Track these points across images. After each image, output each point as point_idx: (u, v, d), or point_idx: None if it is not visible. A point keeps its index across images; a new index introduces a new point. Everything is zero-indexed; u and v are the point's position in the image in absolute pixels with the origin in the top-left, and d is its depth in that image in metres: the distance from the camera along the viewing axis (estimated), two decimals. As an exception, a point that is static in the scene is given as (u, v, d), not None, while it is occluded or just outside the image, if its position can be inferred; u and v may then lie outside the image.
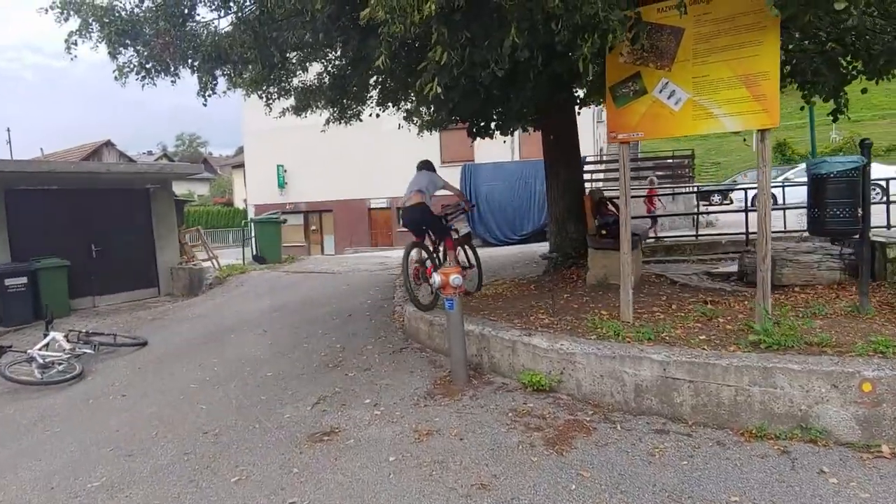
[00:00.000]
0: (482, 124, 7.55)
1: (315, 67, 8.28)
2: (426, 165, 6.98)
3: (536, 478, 3.14)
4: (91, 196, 10.28)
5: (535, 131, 8.09)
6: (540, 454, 3.39)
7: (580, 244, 7.19)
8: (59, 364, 6.04)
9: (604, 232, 6.28)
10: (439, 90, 3.93)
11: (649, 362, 3.76)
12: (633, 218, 7.66)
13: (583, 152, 9.27)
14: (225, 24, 6.40)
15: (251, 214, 24.17)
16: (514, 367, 4.58)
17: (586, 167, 13.61)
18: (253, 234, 15.04)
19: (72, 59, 5.77)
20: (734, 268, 7.21)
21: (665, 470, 3.10)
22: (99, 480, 3.61)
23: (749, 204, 16.62)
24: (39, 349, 6.15)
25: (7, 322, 8.74)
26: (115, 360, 6.58)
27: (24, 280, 8.90)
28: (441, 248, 6.71)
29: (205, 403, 4.82)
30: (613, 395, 3.94)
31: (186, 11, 5.85)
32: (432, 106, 7.27)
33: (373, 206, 24.74)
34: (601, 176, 16.46)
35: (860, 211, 4.13)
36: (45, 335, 6.52)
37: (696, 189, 15.06)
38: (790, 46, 5.23)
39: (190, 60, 6.12)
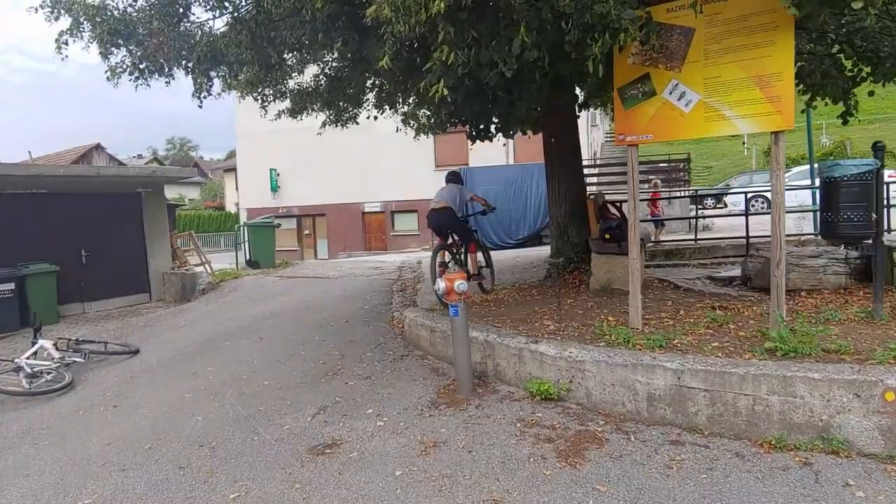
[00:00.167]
0: (482, 127, 7.44)
1: (311, 69, 8.16)
2: (455, 178, 7.25)
3: (551, 493, 3.01)
4: (81, 200, 10.06)
5: (534, 134, 7.98)
6: (553, 467, 3.27)
7: (582, 248, 7.10)
8: (48, 373, 5.85)
9: (607, 236, 6.18)
10: (446, 92, 3.81)
11: (663, 370, 3.65)
12: (635, 222, 7.61)
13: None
14: (220, 24, 6.28)
15: (243, 218, 23.95)
16: (520, 375, 4.45)
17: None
18: (246, 239, 14.83)
19: (62, 59, 5.60)
20: (736, 272, 7.13)
21: (685, 483, 2.99)
22: (90, 498, 3.44)
23: (746, 207, 16.73)
24: (27, 358, 5.96)
25: (-7, 329, 8.51)
26: (106, 368, 6.39)
27: (11, 286, 8.66)
28: (463, 250, 7.07)
29: (200, 414, 4.66)
30: (625, 404, 3.82)
31: (181, 11, 5.72)
32: (433, 108, 7.15)
33: (367, 209, 24.59)
34: (594, 180, 16.41)
35: (874, 215, 4.05)
36: (33, 343, 6.31)
37: (695, 193, 15.03)
38: (798, 48, 5.16)
39: (184, 61, 5.99)
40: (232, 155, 39.44)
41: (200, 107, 6.32)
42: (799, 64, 5.43)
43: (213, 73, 6.27)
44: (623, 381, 3.81)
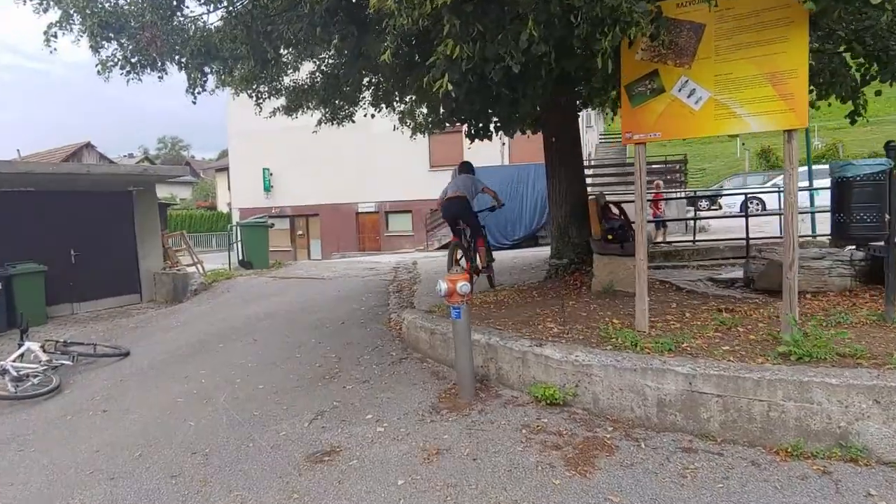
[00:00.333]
0: (481, 126, 7.33)
1: (307, 66, 8.02)
2: (467, 168, 7.33)
3: (562, 503, 2.89)
4: (70, 199, 9.85)
5: (534, 133, 7.87)
6: (562, 476, 3.14)
7: (582, 249, 6.99)
8: (35, 376, 5.66)
9: (610, 237, 6.08)
10: (450, 87, 3.68)
11: (673, 375, 3.54)
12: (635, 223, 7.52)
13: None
14: (215, 18, 6.12)
15: (236, 218, 23.73)
16: (523, 379, 4.33)
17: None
18: (239, 239, 14.63)
19: (51, 52, 5.43)
20: (738, 274, 7.05)
21: (700, 493, 2.87)
22: (78, 508, 3.29)
23: (740, 209, 16.71)
24: (13, 360, 5.77)
25: (-21, 331, 8.29)
26: (95, 371, 6.21)
27: (-3, 286, 8.45)
28: (472, 244, 7.19)
29: (193, 419, 4.50)
30: (634, 409, 3.71)
31: (175, 4, 5.55)
32: (433, 105, 7.03)
33: (361, 210, 24.44)
34: (589, 181, 16.32)
35: (888, 216, 3.96)
36: (20, 345, 6.13)
37: (693, 193, 14.98)
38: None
39: (178, 56, 5.83)
40: (224, 155, 39.10)
41: (194, 102, 6.18)
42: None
43: (207, 69, 6.11)
44: (632, 385, 3.70)
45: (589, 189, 15.07)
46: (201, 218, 39.84)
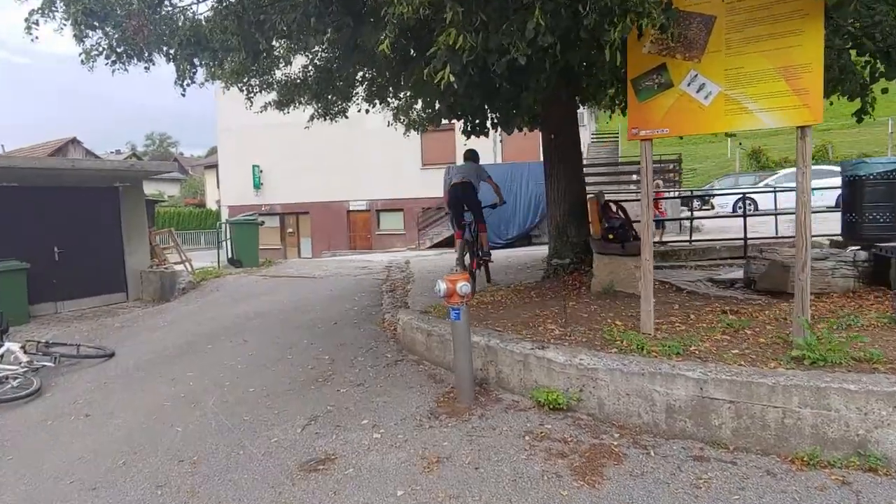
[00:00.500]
0: (477, 122, 7.17)
1: (300, 60, 7.82)
2: (473, 156, 7.40)
3: (571, 516, 2.75)
4: (55, 194, 9.56)
5: (531, 130, 7.74)
6: (569, 486, 3.00)
7: (581, 249, 6.87)
8: (14, 379, 5.44)
9: (611, 236, 5.95)
10: (452, 78, 3.52)
11: (684, 380, 3.40)
12: (635, 222, 7.40)
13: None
14: (204, 8, 5.90)
15: (225, 216, 23.41)
16: (525, 382, 4.18)
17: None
18: (228, 237, 14.36)
19: (32, 40, 5.19)
20: (737, 274, 6.96)
21: (716, 506, 2.74)
22: (56, 521, 3.10)
23: (733, 209, 16.72)
24: (-8, 362, 5.55)
25: (-43, 331, 8.01)
26: (78, 373, 5.98)
27: (-23, 284, 8.18)
28: (474, 232, 7.30)
29: (180, 424, 4.31)
30: (641, 415, 3.57)
31: (163, -9, 5.34)
32: (429, 100, 6.85)
33: (352, 207, 24.21)
34: (583, 180, 16.24)
35: (902, 216, 3.86)
36: (0, 346, 5.90)
37: (690, 193, 14.94)
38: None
39: (166, 47, 5.61)
40: (213, 151, 38.63)
41: (183, 95, 5.95)
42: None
43: (196, 60, 5.89)
44: (639, 390, 3.56)
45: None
46: (190, 215, 39.39)
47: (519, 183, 16.09)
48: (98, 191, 10.25)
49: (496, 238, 16.16)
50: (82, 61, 5.25)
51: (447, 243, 18.91)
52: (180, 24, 5.50)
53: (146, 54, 5.50)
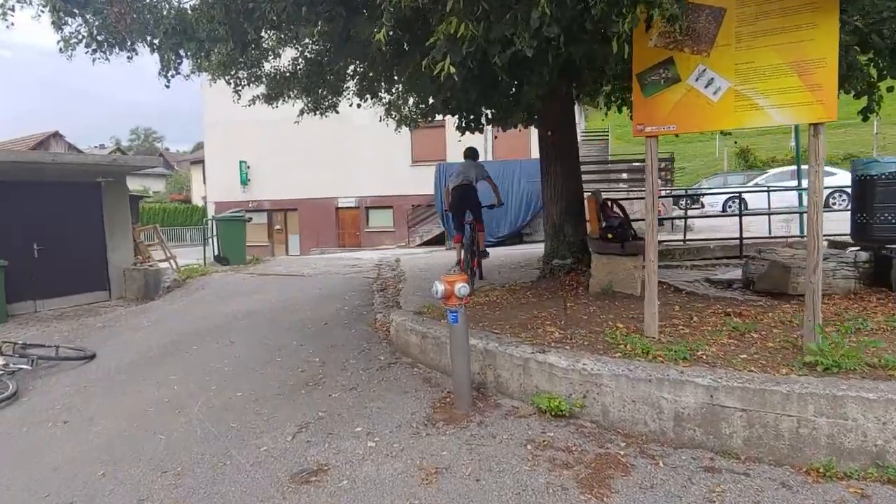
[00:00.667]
0: (472, 117, 6.99)
1: (289, 53, 7.59)
2: (473, 154, 7.53)
3: (580, 534, 2.60)
4: (34, 190, 9.25)
5: (525, 127, 7.58)
6: (576, 500, 2.85)
7: (578, 248, 6.73)
8: (-11, 382, 5.20)
9: (610, 236, 5.81)
10: (452, 70, 3.35)
11: (693, 387, 3.27)
12: (633, 221, 7.27)
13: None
14: (191, -5, 5.66)
15: (211, 212, 23.03)
16: (525, 388, 4.03)
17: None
18: (215, 234, 14.08)
19: (8, 27, 4.94)
20: (735, 274, 6.87)
21: (732, 522, 2.60)
22: (29, 540, 2.90)
23: (723, 208, 16.71)
24: (-35, 365, 5.30)
25: (-69, 330, 7.71)
26: (56, 376, 5.73)
27: (-48, 282, 7.89)
28: (473, 232, 7.28)
29: (163, 432, 4.10)
30: (647, 423, 3.44)
31: (146, -23, 5.10)
32: (424, 94, 6.65)
33: (341, 205, 23.94)
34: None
35: (913, 217, 3.75)
36: (-27, 348, 5.65)
37: (685, 192, 14.88)
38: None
39: (149, 37, 5.37)
40: (199, 147, 38.14)
41: (168, 86, 5.73)
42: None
43: (182, 51, 5.66)
44: (646, 397, 3.42)
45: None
46: (175, 211, 38.81)
47: (511, 181, 15.96)
48: (80, 186, 9.95)
49: (488, 236, 16.02)
50: (60, 49, 5.01)
51: (437, 241, 18.75)
52: (165, 12, 5.26)
53: (129, 43, 5.27)
